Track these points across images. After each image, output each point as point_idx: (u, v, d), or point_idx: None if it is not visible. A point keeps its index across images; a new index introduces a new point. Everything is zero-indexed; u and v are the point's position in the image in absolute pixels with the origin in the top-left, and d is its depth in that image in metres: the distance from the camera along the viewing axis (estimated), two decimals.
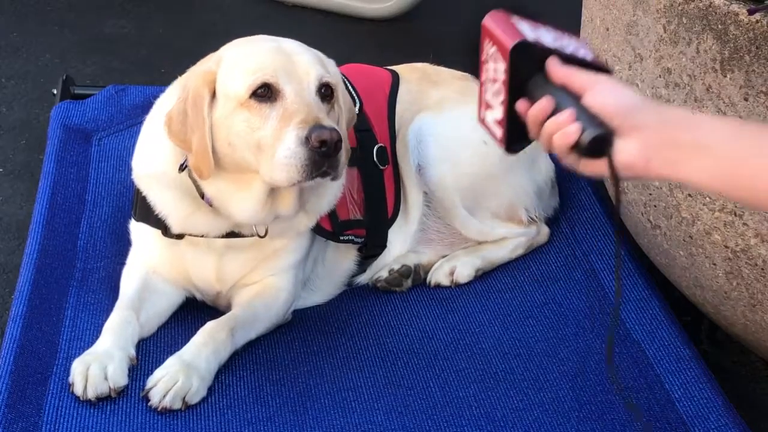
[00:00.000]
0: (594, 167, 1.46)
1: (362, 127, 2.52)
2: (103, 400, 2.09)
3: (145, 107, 3.11)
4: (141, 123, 2.95)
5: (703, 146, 1.38)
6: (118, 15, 4.08)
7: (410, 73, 2.73)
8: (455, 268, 2.61)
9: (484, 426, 2.16)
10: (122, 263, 2.42)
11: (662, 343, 2.39)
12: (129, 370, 2.15)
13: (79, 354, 2.16)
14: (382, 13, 4.20)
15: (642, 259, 2.65)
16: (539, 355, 2.35)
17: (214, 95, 2.15)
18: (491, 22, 1.54)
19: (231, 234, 2.27)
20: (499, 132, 1.56)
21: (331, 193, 2.35)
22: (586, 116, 1.44)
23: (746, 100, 2.01)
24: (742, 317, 2.32)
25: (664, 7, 2.15)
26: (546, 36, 1.53)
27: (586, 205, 2.85)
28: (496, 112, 1.55)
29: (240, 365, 2.24)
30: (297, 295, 2.41)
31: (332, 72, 2.25)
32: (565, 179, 2.85)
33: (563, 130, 1.45)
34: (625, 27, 2.28)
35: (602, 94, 1.44)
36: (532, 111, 1.49)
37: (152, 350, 2.27)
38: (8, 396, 2.04)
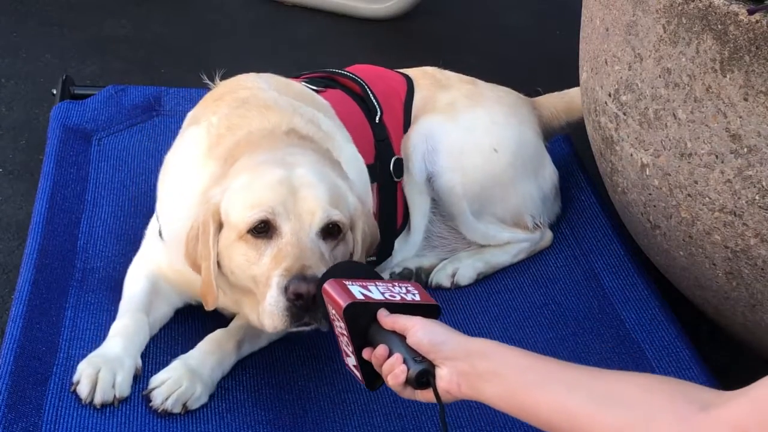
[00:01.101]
0: (427, 395, 1.72)
1: (381, 138, 2.51)
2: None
3: (145, 107, 3.13)
4: (141, 123, 2.95)
5: (497, 374, 1.63)
6: (117, 15, 4.07)
7: (422, 78, 2.71)
8: (457, 270, 2.61)
9: (484, 427, 2.16)
10: (122, 263, 2.41)
11: (662, 343, 2.39)
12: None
13: (79, 354, 2.16)
14: (382, 13, 4.19)
15: (642, 260, 2.65)
16: None
17: (222, 225, 2.10)
18: (329, 287, 1.82)
19: None
20: (359, 374, 1.84)
21: None
22: (411, 355, 1.72)
23: (746, 100, 2.01)
24: (742, 317, 2.32)
25: (663, 7, 2.14)
26: (375, 291, 1.81)
27: (585, 205, 2.85)
28: (352, 359, 1.83)
29: (240, 369, 2.23)
30: None
31: (350, 203, 2.13)
32: (564, 180, 2.85)
33: (393, 372, 1.73)
34: (625, 27, 2.27)
35: (417, 335, 1.72)
36: (373, 358, 1.77)
37: (152, 350, 2.26)
38: (8, 396, 2.04)
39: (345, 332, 1.80)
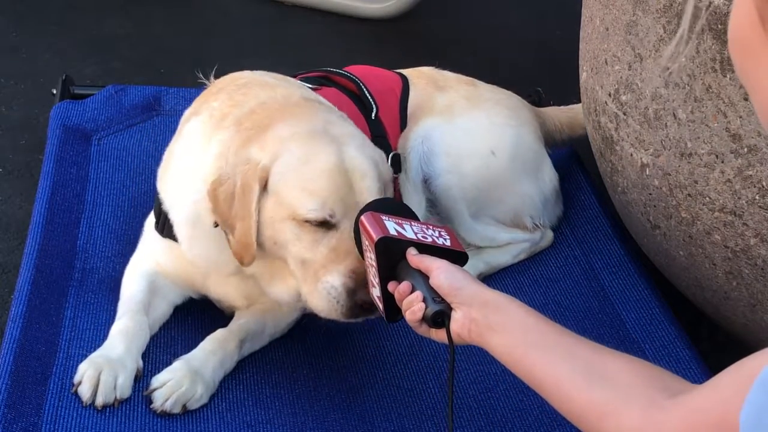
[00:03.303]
0: (440, 335, 1.79)
1: (378, 134, 2.51)
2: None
3: (145, 107, 3.13)
4: (140, 123, 2.94)
5: (504, 328, 1.69)
6: (118, 15, 4.07)
7: (417, 78, 2.70)
8: None
9: (484, 427, 2.16)
10: (122, 263, 2.41)
11: (662, 343, 2.39)
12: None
13: (79, 354, 2.16)
14: (382, 13, 4.19)
15: (642, 260, 2.65)
16: None
17: (265, 187, 2.05)
18: (365, 220, 1.87)
19: None
20: (380, 305, 1.89)
21: None
22: (431, 295, 1.78)
23: (746, 100, 2.01)
24: (742, 317, 2.32)
25: (663, 7, 2.14)
26: (409, 230, 1.87)
27: (585, 205, 2.85)
28: (377, 290, 1.88)
29: (239, 368, 2.23)
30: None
31: (384, 171, 2.15)
32: (564, 180, 2.85)
33: (412, 308, 1.79)
34: (625, 27, 2.27)
35: (439, 277, 1.78)
36: (396, 293, 1.84)
37: (152, 349, 2.26)
38: (8, 396, 2.04)
39: (374, 264, 1.85)
